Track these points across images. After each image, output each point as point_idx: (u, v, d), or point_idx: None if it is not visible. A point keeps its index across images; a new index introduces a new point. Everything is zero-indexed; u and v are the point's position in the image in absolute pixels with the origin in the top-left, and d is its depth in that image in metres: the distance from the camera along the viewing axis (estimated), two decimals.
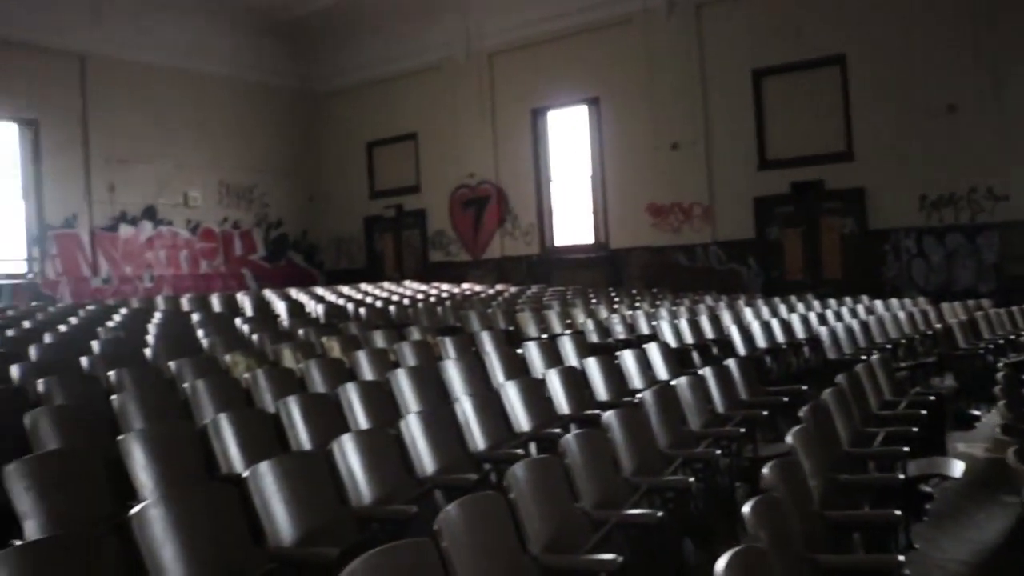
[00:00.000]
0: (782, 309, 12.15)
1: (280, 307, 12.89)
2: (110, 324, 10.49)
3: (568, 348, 8.12)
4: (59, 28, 17.86)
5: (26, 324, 10.45)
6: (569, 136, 19.65)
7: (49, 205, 18.07)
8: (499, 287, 16.82)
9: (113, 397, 5.39)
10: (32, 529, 3.68)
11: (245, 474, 3.57)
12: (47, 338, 8.89)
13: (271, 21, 21.56)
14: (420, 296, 14.64)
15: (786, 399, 6.58)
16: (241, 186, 21.57)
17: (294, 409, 5.14)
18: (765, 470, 3.55)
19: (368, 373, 6.88)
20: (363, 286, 17.04)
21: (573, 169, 19.66)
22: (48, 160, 18.08)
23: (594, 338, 9.57)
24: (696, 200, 17.54)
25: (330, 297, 14.54)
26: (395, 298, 14.23)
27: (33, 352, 7.77)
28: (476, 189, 20.60)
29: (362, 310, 11.90)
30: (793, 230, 16.66)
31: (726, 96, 17.20)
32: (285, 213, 22.61)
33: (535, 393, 5.95)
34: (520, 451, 5.02)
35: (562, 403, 6.15)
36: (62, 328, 9.93)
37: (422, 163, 21.65)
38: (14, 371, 6.67)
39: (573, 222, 19.70)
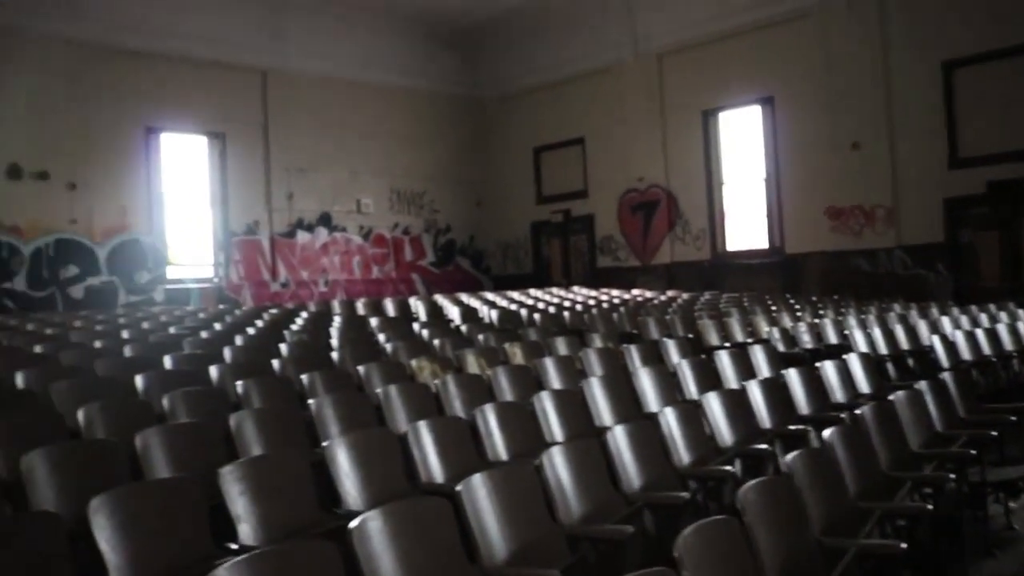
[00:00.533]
0: (983, 318, 11.29)
1: (453, 312, 12.95)
2: (294, 327, 10.78)
3: (759, 358, 7.73)
4: (243, 47, 18.72)
5: (217, 326, 10.84)
6: (742, 137, 19.01)
7: (233, 213, 18.91)
8: (671, 293, 16.43)
9: (310, 401, 5.43)
10: (247, 533, 3.67)
11: (459, 487, 3.43)
12: (238, 340, 9.17)
13: (441, 31, 21.90)
14: (592, 302, 14.44)
15: (1014, 418, 6.00)
16: (411, 192, 21.98)
17: (490, 418, 5.02)
18: None
19: (556, 381, 6.71)
20: (532, 291, 16.99)
21: (746, 171, 19.01)
22: (233, 170, 18.94)
23: (780, 347, 9.13)
24: (879, 202, 16.60)
25: (501, 302, 14.53)
26: (567, 304, 14.07)
27: (227, 354, 8.00)
28: (645, 193, 20.22)
29: (536, 316, 11.79)
30: (989, 233, 15.48)
31: (912, 90, 16.17)
32: (453, 219, 22.88)
33: (736, 405, 5.62)
34: (729, 468, 4.73)
35: (764, 417, 5.80)
36: (250, 331, 10.25)
37: (590, 167, 21.43)
38: (212, 372, 6.86)
39: (746, 226, 19.04)
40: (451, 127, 22.83)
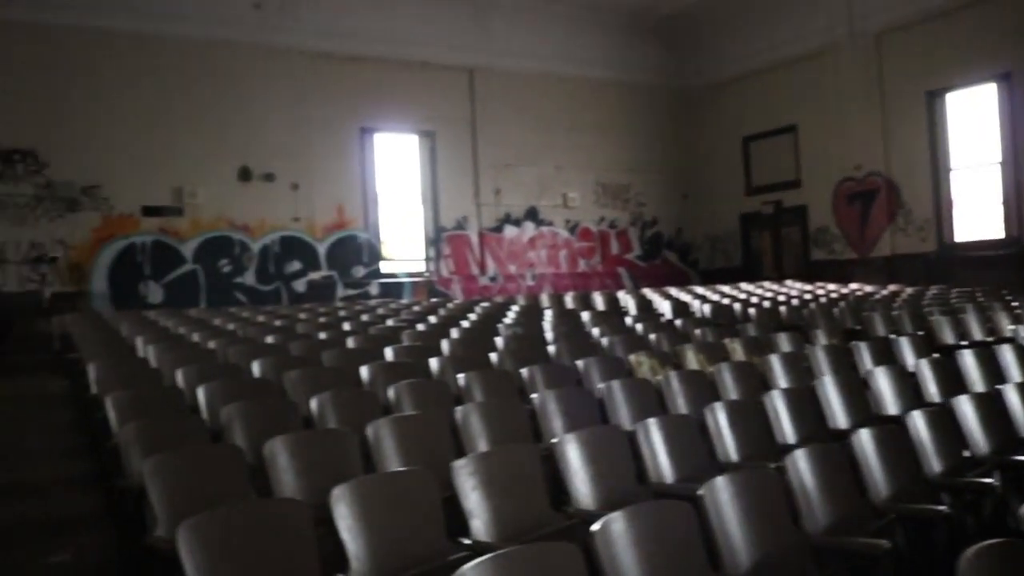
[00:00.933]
0: None
1: (664, 306, 12.71)
2: (506, 320, 10.86)
3: (1008, 358, 7.06)
4: (451, 46, 19.18)
5: (432, 319, 11.10)
6: (973, 119, 17.61)
7: (443, 209, 19.42)
8: (892, 288, 15.47)
9: (533, 396, 5.39)
10: (479, 529, 3.65)
11: (701, 491, 3.26)
12: (453, 333, 9.31)
13: (643, 21, 21.65)
14: (808, 296, 13.80)
15: None
16: (617, 185, 21.82)
17: (720, 417, 4.81)
18: None
19: (782, 379, 6.39)
20: (743, 285, 16.47)
21: (978, 155, 17.60)
22: (442, 167, 19.44)
23: None
24: None
25: (712, 296, 14.15)
26: (781, 298, 13.51)
27: (445, 346, 8.14)
28: (863, 182, 19.13)
29: (751, 310, 11.38)
30: None
31: None
32: (660, 212, 22.54)
33: (990, 411, 5.14)
34: (989, 480, 4.31)
35: (1021, 423, 5.27)
36: (464, 324, 10.41)
37: (802, 156, 20.51)
38: (432, 364, 6.96)
39: (978, 215, 17.64)
40: (656, 118, 22.51)
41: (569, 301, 14.18)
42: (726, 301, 13.11)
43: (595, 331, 9.23)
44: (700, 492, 3.24)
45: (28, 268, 15.16)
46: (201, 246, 16.67)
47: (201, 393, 5.69)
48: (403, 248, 19.40)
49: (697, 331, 8.85)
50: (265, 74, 17.10)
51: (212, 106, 16.61)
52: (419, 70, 18.95)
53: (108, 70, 15.75)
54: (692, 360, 7.12)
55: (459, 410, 5.00)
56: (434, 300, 15.90)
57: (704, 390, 5.88)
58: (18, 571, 4.91)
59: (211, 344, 8.41)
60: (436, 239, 19.38)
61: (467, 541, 3.58)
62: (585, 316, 10.91)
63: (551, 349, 7.80)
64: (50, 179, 15.34)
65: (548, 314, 11.41)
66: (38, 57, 15.18)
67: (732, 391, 6.02)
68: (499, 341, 8.46)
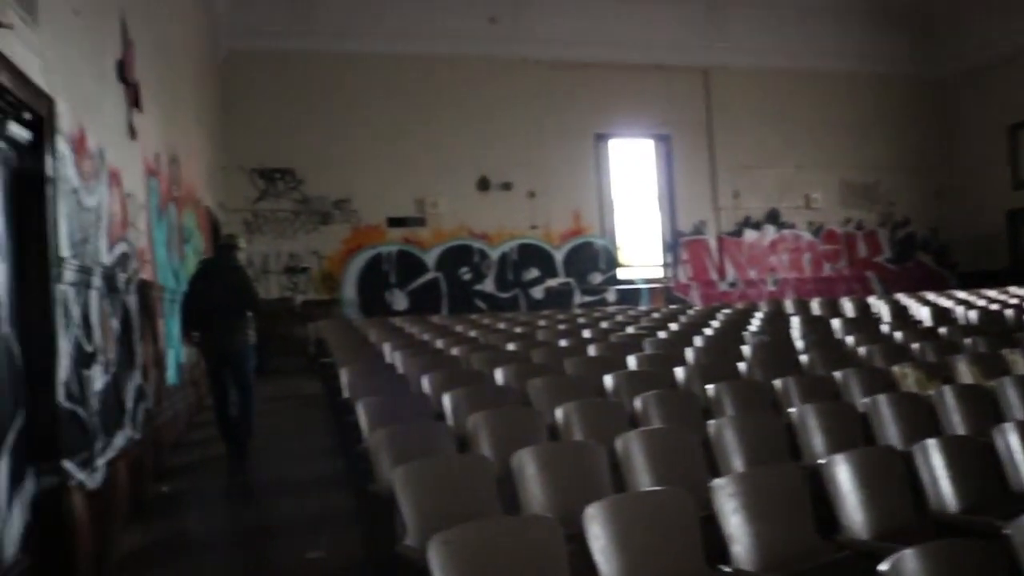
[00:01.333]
0: None
1: (922, 312, 11.77)
2: (751, 328, 10.42)
3: None
4: (685, 48, 18.83)
5: (673, 327, 10.81)
6: None
7: (680, 213, 19.04)
8: None
9: (791, 411, 5.03)
10: (740, 555, 3.40)
11: (1008, 529, 2.84)
12: (696, 341, 9.01)
13: (885, 8, 20.30)
14: None
15: None
16: (863, 184, 20.53)
17: (1012, 439, 4.26)
18: None
19: None
20: (1013, 289, 15.01)
21: None
22: (678, 171, 19.08)
23: None
24: None
25: (979, 302, 12.97)
26: None
27: (689, 355, 7.85)
28: None
29: None
30: None
31: None
32: (912, 211, 20.99)
33: None
34: None
35: None
36: (707, 331, 10.06)
37: None
38: (678, 374, 6.72)
39: None
40: (906, 110, 20.97)
41: (815, 307, 13.47)
42: (995, 307, 11.97)
43: (848, 339, 8.64)
44: (1007, 531, 2.82)
45: (285, 277, 16.28)
46: (442, 255, 17.25)
47: (447, 400, 5.73)
48: (640, 254, 19.20)
49: (967, 341, 8.07)
50: (501, 85, 17.49)
51: (451, 119, 17.17)
52: (652, 73, 18.74)
53: (354, 90, 16.67)
54: (966, 373, 6.46)
55: (712, 424, 4.73)
56: (672, 307, 15.57)
57: (985, 407, 5.30)
58: (278, 565, 5.13)
59: (454, 351, 8.54)
60: (673, 244, 19.04)
61: (727, 569, 3.33)
62: (835, 323, 10.28)
63: (803, 359, 7.34)
64: (306, 195, 16.42)
65: (795, 321, 10.84)
66: (292, 82, 16.30)
67: (1018, 409, 5.38)
68: (745, 350, 8.08)
